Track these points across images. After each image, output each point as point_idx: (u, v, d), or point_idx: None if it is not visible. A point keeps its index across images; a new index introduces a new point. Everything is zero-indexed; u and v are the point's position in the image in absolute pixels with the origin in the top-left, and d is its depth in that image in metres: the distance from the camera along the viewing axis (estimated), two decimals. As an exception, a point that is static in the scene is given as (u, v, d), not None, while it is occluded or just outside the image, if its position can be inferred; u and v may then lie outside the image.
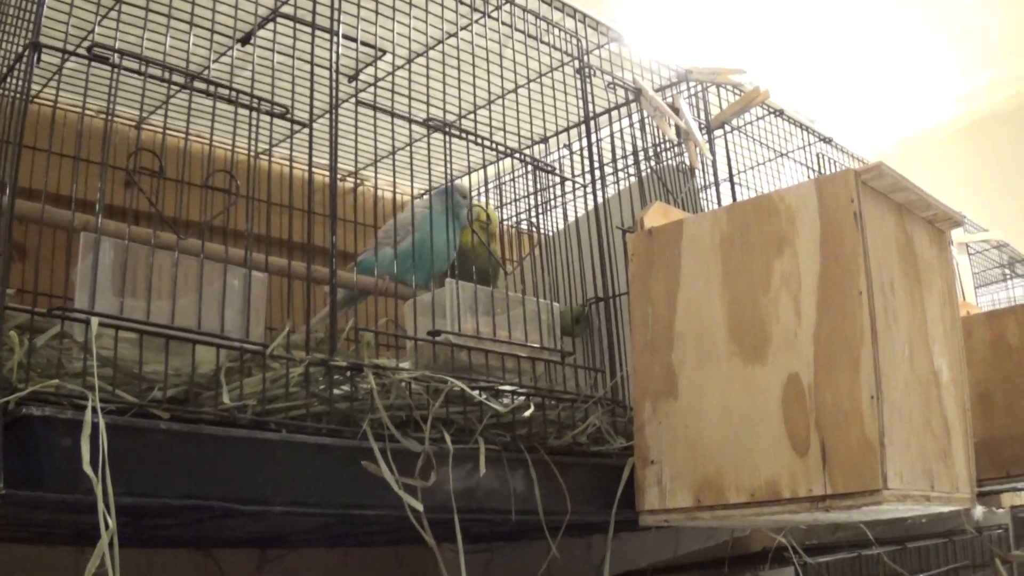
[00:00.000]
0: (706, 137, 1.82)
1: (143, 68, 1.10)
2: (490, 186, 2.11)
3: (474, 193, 2.06)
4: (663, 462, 1.31)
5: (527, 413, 1.27)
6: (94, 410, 0.86)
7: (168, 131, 1.40)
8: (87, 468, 0.83)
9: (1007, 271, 3.29)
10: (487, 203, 2.01)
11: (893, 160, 1.24)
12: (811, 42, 4.10)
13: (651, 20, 3.71)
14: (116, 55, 1.08)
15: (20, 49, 1.10)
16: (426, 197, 2.19)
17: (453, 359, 1.29)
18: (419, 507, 1.06)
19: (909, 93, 4.62)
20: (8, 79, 1.12)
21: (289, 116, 1.20)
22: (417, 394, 1.17)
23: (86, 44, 1.08)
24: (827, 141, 2.25)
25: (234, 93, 1.16)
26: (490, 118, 1.54)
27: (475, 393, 1.21)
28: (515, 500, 1.22)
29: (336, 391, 1.12)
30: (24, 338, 0.95)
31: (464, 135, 1.44)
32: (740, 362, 1.27)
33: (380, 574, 2.06)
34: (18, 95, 1.06)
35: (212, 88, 1.15)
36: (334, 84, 1.27)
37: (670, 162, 1.73)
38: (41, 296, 1.42)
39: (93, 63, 1.08)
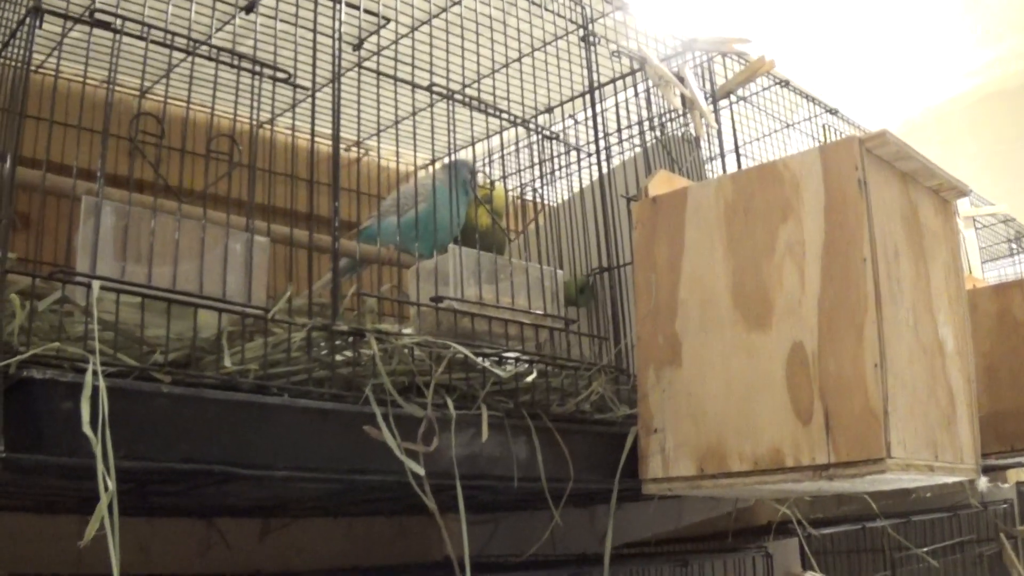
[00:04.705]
0: (711, 107, 1.81)
1: (145, 33, 1.09)
2: (494, 157, 2.10)
3: (478, 164, 2.05)
4: (666, 430, 1.31)
5: (530, 379, 1.26)
6: (94, 372, 0.86)
7: (171, 100, 1.39)
8: (87, 429, 0.82)
9: (1014, 246, 3.27)
10: (491, 174, 2.00)
11: (900, 133, 1.23)
12: (820, 13, 4.07)
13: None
14: (118, 20, 1.07)
15: (21, 15, 1.10)
16: (430, 169, 2.18)
17: (456, 325, 1.29)
18: (421, 471, 1.06)
19: (918, 66, 4.59)
20: (9, 47, 1.11)
21: (292, 81, 1.19)
22: (420, 360, 1.16)
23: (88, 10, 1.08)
24: (833, 112, 2.24)
25: (236, 58, 1.15)
26: (493, 87, 1.53)
27: (478, 359, 1.21)
28: (517, 467, 1.21)
29: (338, 356, 1.11)
30: (26, 302, 0.94)
31: (469, 102, 1.43)
32: (743, 330, 1.26)
33: (383, 545, 2.07)
34: (20, 64, 1.05)
35: (215, 53, 1.14)
36: (337, 51, 1.26)
37: (675, 132, 1.72)
38: (44, 264, 1.42)
39: (95, 29, 1.08)
